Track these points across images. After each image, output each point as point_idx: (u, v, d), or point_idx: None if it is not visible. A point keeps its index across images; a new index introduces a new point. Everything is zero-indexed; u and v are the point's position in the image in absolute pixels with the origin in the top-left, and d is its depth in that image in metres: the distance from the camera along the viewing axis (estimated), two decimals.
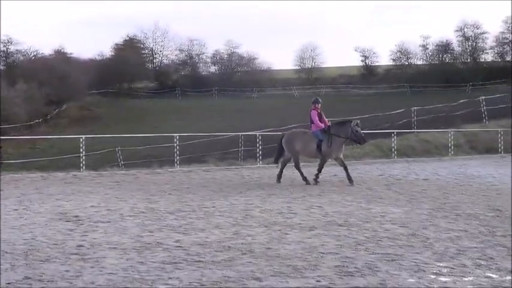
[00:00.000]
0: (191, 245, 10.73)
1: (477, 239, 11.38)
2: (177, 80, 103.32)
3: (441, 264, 9.41)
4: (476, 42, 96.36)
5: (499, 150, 36.52)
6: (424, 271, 9.01)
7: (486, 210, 14.98)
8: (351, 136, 20.84)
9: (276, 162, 22.74)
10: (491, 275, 8.84)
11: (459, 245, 10.81)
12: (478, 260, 9.70)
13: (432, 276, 8.73)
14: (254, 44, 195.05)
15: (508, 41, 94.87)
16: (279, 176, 21.64)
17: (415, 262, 9.54)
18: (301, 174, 21.28)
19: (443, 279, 8.61)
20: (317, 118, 21.26)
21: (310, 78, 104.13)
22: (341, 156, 21.32)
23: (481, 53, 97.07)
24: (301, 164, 21.91)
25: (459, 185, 20.81)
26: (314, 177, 20.80)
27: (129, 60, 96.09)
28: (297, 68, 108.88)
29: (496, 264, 9.45)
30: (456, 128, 39.48)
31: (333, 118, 39.80)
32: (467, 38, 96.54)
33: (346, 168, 20.88)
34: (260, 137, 31.71)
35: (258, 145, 31.20)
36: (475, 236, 11.74)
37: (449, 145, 35.54)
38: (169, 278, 8.58)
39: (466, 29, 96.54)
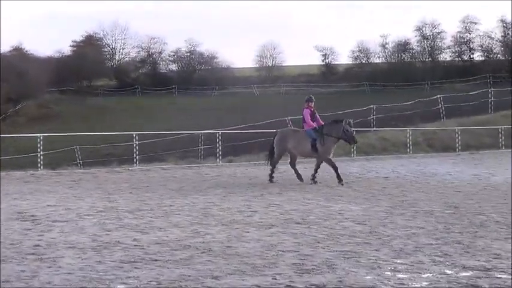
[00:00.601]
0: (149, 244, 10.68)
1: (434, 236, 11.49)
2: (137, 78, 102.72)
3: (398, 261, 9.49)
4: (434, 42, 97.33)
5: (456, 148, 36.94)
6: (381, 268, 9.07)
7: (443, 207, 15.13)
8: (342, 135, 20.65)
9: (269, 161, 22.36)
10: (447, 271, 8.92)
11: (416, 242, 10.91)
12: (434, 257, 9.78)
13: (389, 273, 8.78)
14: (215, 42, 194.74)
15: (465, 40, 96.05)
16: (298, 174, 21.20)
17: (373, 259, 9.60)
18: (272, 172, 21.21)
19: (400, 276, 8.67)
20: (309, 117, 20.96)
21: (271, 77, 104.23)
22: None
23: (439, 52, 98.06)
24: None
25: (417, 183, 21.02)
26: (337, 177, 20.50)
27: (88, 57, 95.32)
28: (257, 66, 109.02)
29: (452, 260, 9.54)
30: (414, 127, 39.89)
31: (294, 116, 40.05)
32: (425, 37, 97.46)
33: (317, 168, 20.88)
34: (220, 136, 31.69)
35: (218, 143, 31.17)
36: (432, 232, 11.85)
37: (408, 143, 35.86)
38: (127, 277, 8.52)
39: (424, 29, 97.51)
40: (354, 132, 21.29)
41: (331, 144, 20.76)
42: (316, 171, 20.86)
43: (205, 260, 9.55)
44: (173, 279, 8.41)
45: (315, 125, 20.88)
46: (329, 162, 20.88)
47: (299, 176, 21.06)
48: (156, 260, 9.49)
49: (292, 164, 21.56)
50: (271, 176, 21.15)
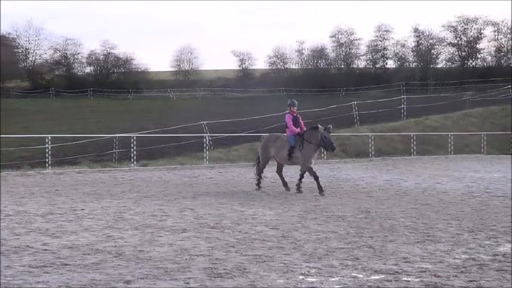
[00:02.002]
0: (60, 249, 10.52)
1: (345, 240, 11.65)
2: (51, 80, 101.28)
3: (309, 265, 9.58)
4: (349, 49, 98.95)
5: (370, 154, 37.53)
6: (292, 272, 9.15)
7: (355, 212, 15.36)
8: (320, 143, 19.36)
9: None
10: (357, 275, 9.06)
11: (328, 246, 11.04)
12: (345, 261, 9.92)
13: (300, 277, 8.87)
14: (131, 45, 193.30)
15: (379, 48, 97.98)
16: (284, 182, 20.34)
17: (285, 263, 9.68)
18: (259, 179, 20.42)
19: (310, 279, 8.77)
20: (291, 122, 19.77)
21: (187, 81, 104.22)
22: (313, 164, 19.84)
23: (354, 59, 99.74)
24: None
25: (330, 188, 21.23)
26: (318, 188, 19.08)
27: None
28: (174, 70, 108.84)
29: (362, 264, 9.69)
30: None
31: (211, 121, 40.07)
32: (341, 44, 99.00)
33: (316, 178, 19.17)
34: (135, 139, 31.47)
35: (132, 147, 30.94)
36: (343, 237, 12.02)
37: (322, 149, 36.16)
38: (37, 282, 8.39)
39: (340, 36, 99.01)
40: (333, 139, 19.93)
41: (310, 152, 19.50)
42: (300, 180, 19.71)
43: (116, 264, 9.47)
44: (84, 284, 8.32)
45: (297, 130, 19.72)
46: (309, 171, 19.44)
47: (285, 184, 20.23)
48: (66, 265, 9.36)
49: (279, 171, 20.62)
50: (258, 182, 20.39)
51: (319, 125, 19.48)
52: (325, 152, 35.84)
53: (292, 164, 20.13)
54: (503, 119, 50.14)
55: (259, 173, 20.62)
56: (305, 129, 20.01)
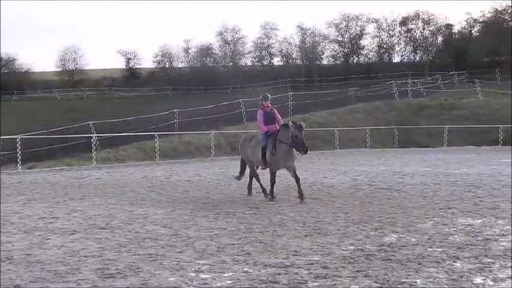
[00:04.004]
0: None
1: (236, 236, 11.79)
2: None
3: (201, 262, 9.67)
4: (235, 47, 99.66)
5: None
6: (184, 269, 9.21)
7: (245, 208, 15.53)
8: (291, 142, 16.89)
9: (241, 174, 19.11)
10: (248, 269, 9.20)
11: (219, 243, 11.15)
12: (236, 256, 10.05)
13: (193, 274, 8.95)
14: (13, 45, 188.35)
15: (265, 45, 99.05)
16: (249, 187, 18.50)
17: (177, 261, 9.73)
18: (260, 184, 18.20)
19: (203, 276, 8.85)
20: (262, 119, 17.56)
21: (73, 81, 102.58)
22: (293, 165, 17.47)
23: (240, 57, 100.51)
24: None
25: (220, 185, 21.39)
26: (269, 192, 17.49)
27: None
28: (58, 70, 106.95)
29: (253, 259, 9.84)
30: (217, 130, 40.51)
31: (97, 121, 39.56)
32: (227, 42, 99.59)
33: (298, 181, 17.14)
34: (20, 141, 30.78)
35: (18, 149, 30.26)
36: (234, 233, 12.15)
37: (211, 146, 36.41)
38: None
39: (226, 34, 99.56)
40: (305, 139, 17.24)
41: (281, 154, 17.09)
42: (271, 185, 17.48)
43: (5, 269, 9.31)
44: None
45: (266, 129, 17.44)
46: (272, 175, 17.41)
47: (249, 189, 18.45)
48: None
49: (250, 174, 18.57)
50: (263, 189, 18.01)
51: (290, 122, 17.09)
52: (213, 149, 35.98)
53: (267, 167, 17.63)
54: (386, 114, 51.63)
55: (256, 177, 18.42)
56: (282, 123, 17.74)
